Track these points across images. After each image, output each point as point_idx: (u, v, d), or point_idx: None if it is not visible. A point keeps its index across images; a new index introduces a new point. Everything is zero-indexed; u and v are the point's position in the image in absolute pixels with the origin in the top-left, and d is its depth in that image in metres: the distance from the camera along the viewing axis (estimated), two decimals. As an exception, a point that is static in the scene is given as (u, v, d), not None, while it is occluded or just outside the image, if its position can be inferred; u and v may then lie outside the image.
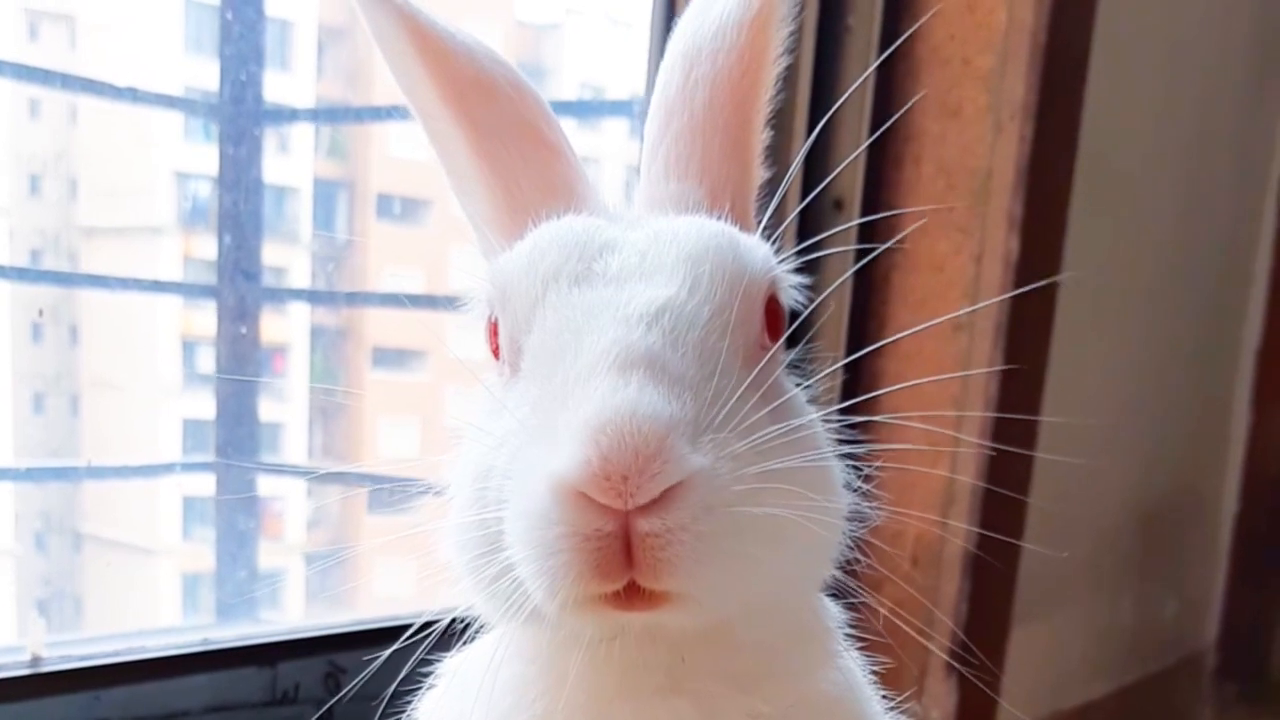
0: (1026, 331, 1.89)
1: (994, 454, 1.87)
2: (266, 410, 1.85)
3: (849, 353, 1.88)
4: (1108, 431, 2.30)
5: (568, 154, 0.97)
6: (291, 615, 1.83)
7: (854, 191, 1.84)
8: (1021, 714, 2.14)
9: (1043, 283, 1.81)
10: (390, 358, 2.06)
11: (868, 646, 0.96)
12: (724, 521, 0.72)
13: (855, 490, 0.89)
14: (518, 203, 0.93)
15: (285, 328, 1.93)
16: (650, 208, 0.95)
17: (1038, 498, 2.00)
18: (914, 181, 1.87)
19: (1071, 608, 2.31)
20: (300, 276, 1.93)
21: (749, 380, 0.78)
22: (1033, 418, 1.97)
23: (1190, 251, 2.47)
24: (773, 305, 0.86)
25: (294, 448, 1.99)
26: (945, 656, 1.91)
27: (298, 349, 1.96)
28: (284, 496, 1.99)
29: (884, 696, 0.96)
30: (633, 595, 0.72)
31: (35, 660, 1.40)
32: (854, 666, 0.94)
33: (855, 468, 0.89)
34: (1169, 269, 2.41)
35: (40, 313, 1.69)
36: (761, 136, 0.97)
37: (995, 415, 1.88)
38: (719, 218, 0.89)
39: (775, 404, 0.79)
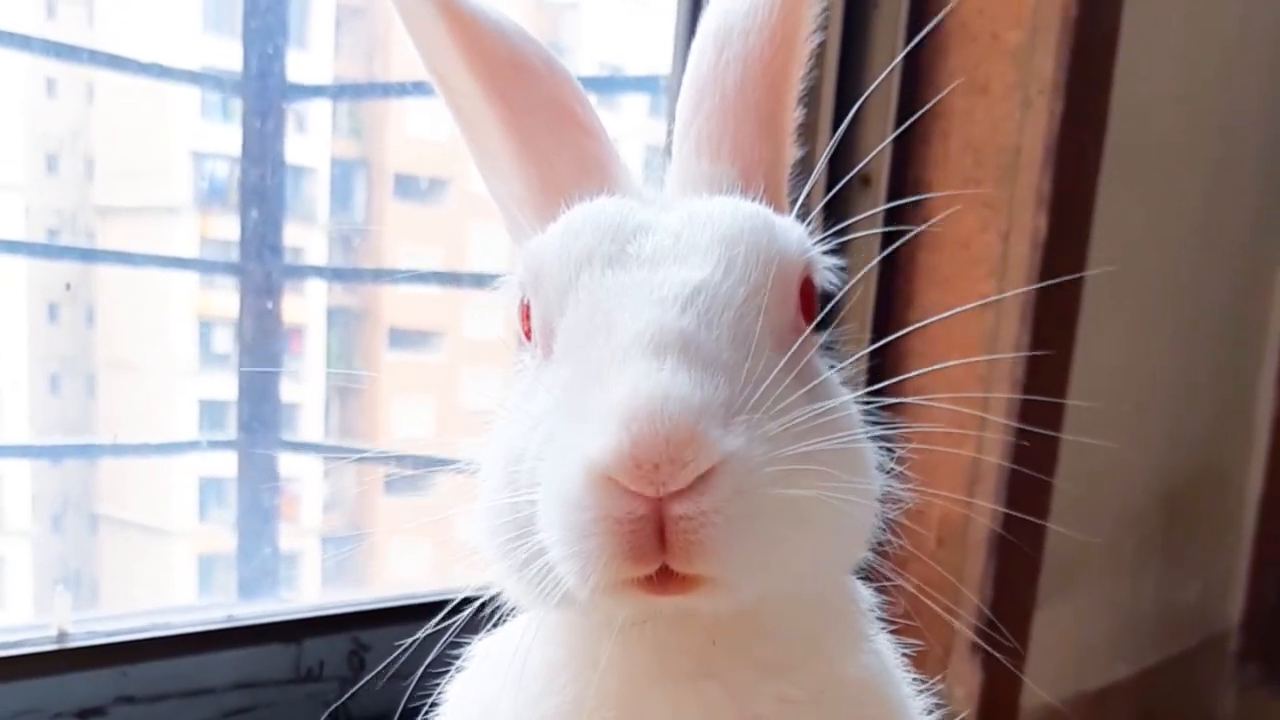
0: (1054, 311, 1.88)
1: (1019, 434, 1.86)
2: (287, 390, 1.85)
3: (875, 330, 1.87)
4: (1133, 412, 2.29)
5: (601, 134, 0.96)
6: (311, 595, 1.83)
7: (882, 169, 1.83)
8: (1044, 695, 2.14)
9: (1071, 276, 1.80)
10: (407, 339, 2.06)
11: (893, 627, 0.95)
12: (757, 504, 0.71)
13: (887, 472, 0.88)
14: (550, 184, 0.92)
15: (302, 309, 1.93)
16: (682, 189, 0.94)
17: (1063, 479, 1.99)
18: (942, 158, 1.86)
19: (1095, 589, 2.30)
20: (318, 257, 1.94)
21: (783, 362, 0.77)
22: (1058, 399, 1.96)
23: (1217, 230, 2.45)
24: (807, 287, 0.85)
25: (311, 428, 1.99)
26: (970, 636, 1.90)
27: (315, 330, 1.96)
28: (302, 478, 1.99)
29: (915, 680, 0.95)
30: (665, 579, 0.72)
31: (62, 635, 1.40)
32: (886, 650, 0.93)
33: (887, 449, 0.88)
34: (1196, 248, 2.39)
35: (68, 286, 1.69)
36: (794, 115, 0.96)
37: (1021, 396, 1.87)
38: (752, 199, 0.88)
39: (809, 386, 0.78)
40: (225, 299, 1.80)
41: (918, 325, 1.76)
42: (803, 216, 0.90)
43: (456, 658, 0.93)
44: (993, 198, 1.83)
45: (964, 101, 1.83)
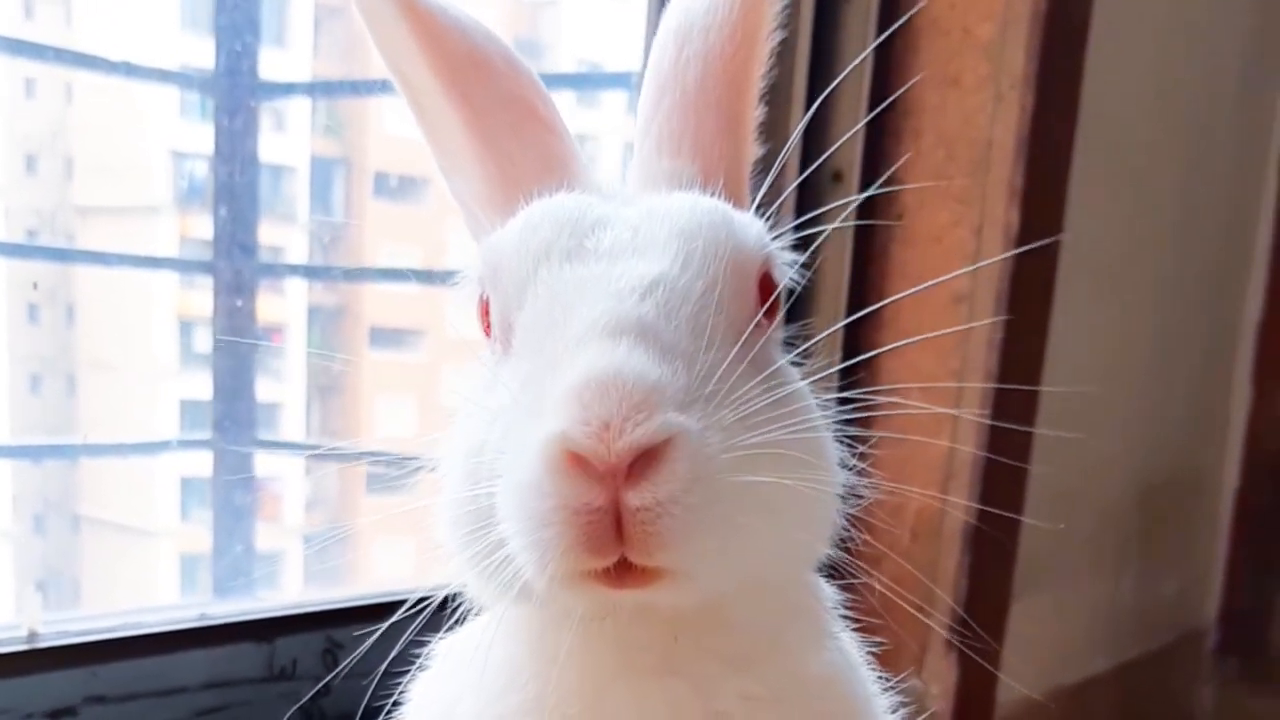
0: (1026, 304, 1.88)
1: (994, 428, 1.86)
2: (264, 389, 1.84)
3: (848, 327, 1.87)
4: (1108, 406, 2.29)
5: (562, 131, 0.96)
6: (289, 594, 1.83)
7: (853, 163, 1.83)
8: (1021, 690, 2.14)
9: (1041, 243, 1.80)
10: (387, 337, 2.06)
11: (866, 623, 0.95)
12: (715, 491, 0.71)
13: (851, 467, 0.88)
14: (510, 180, 0.92)
15: (282, 307, 1.92)
16: (644, 185, 0.94)
17: (1038, 474, 2.00)
18: (913, 153, 1.86)
19: (1072, 584, 2.31)
20: (297, 256, 1.93)
21: (742, 356, 0.77)
22: (1033, 389, 1.96)
23: (1191, 225, 2.46)
24: (766, 282, 0.84)
25: (291, 427, 1.99)
26: (945, 632, 1.90)
27: (295, 328, 1.95)
28: (281, 477, 1.99)
29: (880, 676, 0.95)
30: (624, 572, 0.71)
31: (32, 636, 1.39)
32: (850, 646, 0.93)
33: (851, 444, 0.88)
34: (1169, 242, 2.40)
35: (35, 286, 1.68)
36: (755, 113, 0.96)
37: (995, 388, 1.87)
38: (712, 195, 0.88)
39: (769, 380, 0.79)
40: (204, 296, 1.80)
41: (883, 303, 1.76)
42: (765, 211, 0.90)
43: (423, 654, 0.92)
44: (965, 192, 1.83)
45: (936, 95, 1.83)
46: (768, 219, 0.88)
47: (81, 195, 1.76)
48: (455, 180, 0.96)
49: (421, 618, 0.86)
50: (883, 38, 1.81)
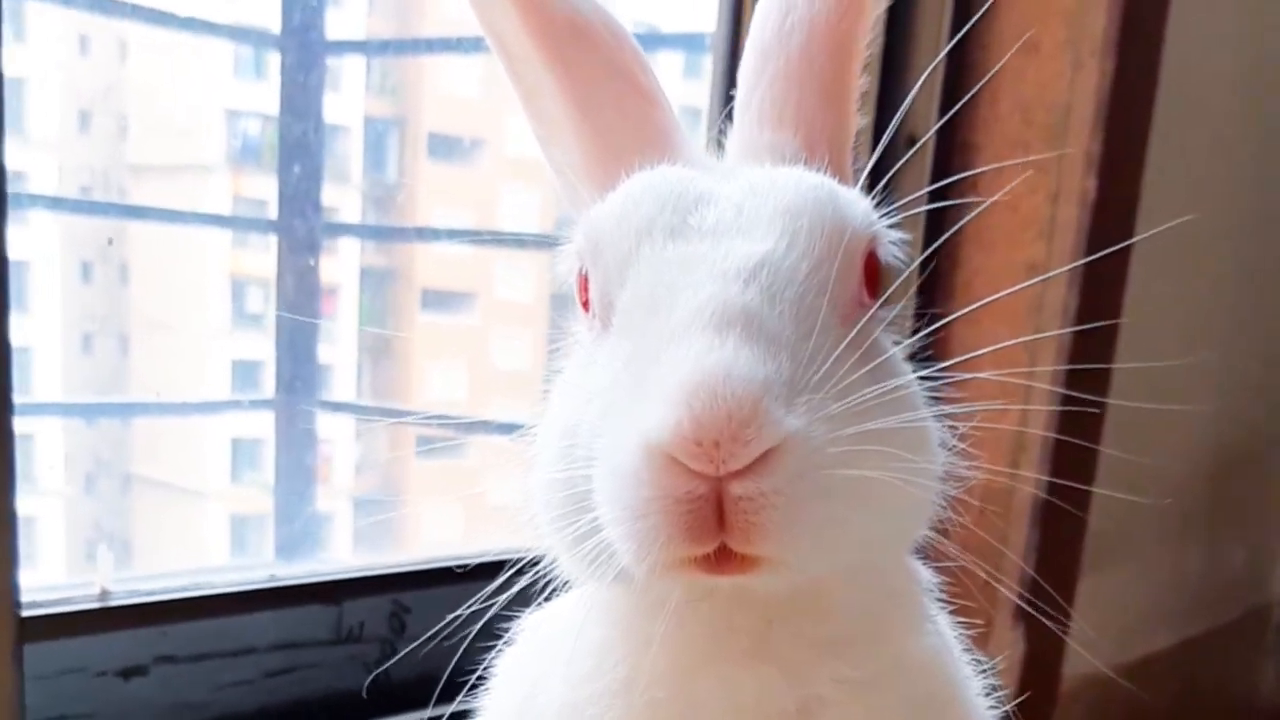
0: (1102, 275, 1.85)
1: (1066, 400, 1.84)
2: (322, 350, 1.84)
3: (920, 294, 1.85)
4: (1182, 378, 2.26)
5: (663, 102, 0.93)
6: (344, 556, 1.83)
7: (929, 128, 1.80)
8: (1086, 664, 2.12)
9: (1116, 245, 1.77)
10: (439, 300, 2.05)
11: (960, 605, 0.94)
12: (818, 485, 0.69)
13: (951, 448, 0.86)
14: (610, 152, 0.90)
15: (335, 269, 1.92)
16: (744, 158, 0.92)
17: (1109, 446, 1.97)
18: (990, 119, 1.82)
19: (1138, 558, 2.28)
20: (351, 216, 1.92)
21: (847, 339, 0.75)
22: (1106, 365, 1.93)
23: (1272, 194, 2.41)
24: (872, 261, 0.82)
25: (343, 389, 1.99)
26: (1013, 605, 1.88)
27: (347, 291, 1.95)
28: (334, 440, 1.99)
29: (974, 660, 0.94)
30: (723, 558, 0.70)
31: (104, 594, 1.40)
32: (946, 629, 0.92)
33: (949, 425, 0.86)
34: (1248, 211, 2.35)
35: (110, 242, 1.69)
36: (859, 83, 0.93)
37: (1068, 364, 1.84)
38: (816, 169, 0.86)
39: (874, 364, 0.77)
40: (258, 258, 1.79)
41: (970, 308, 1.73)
42: (869, 188, 0.88)
43: (500, 626, 0.91)
44: (1042, 159, 1.80)
45: (1014, 61, 1.80)
46: (872, 195, 0.86)
47: (135, 153, 1.75)
48: (553, 150, 0.94)
49: (503, 590, 0.85)
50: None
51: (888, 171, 1.76)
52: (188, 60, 1.70)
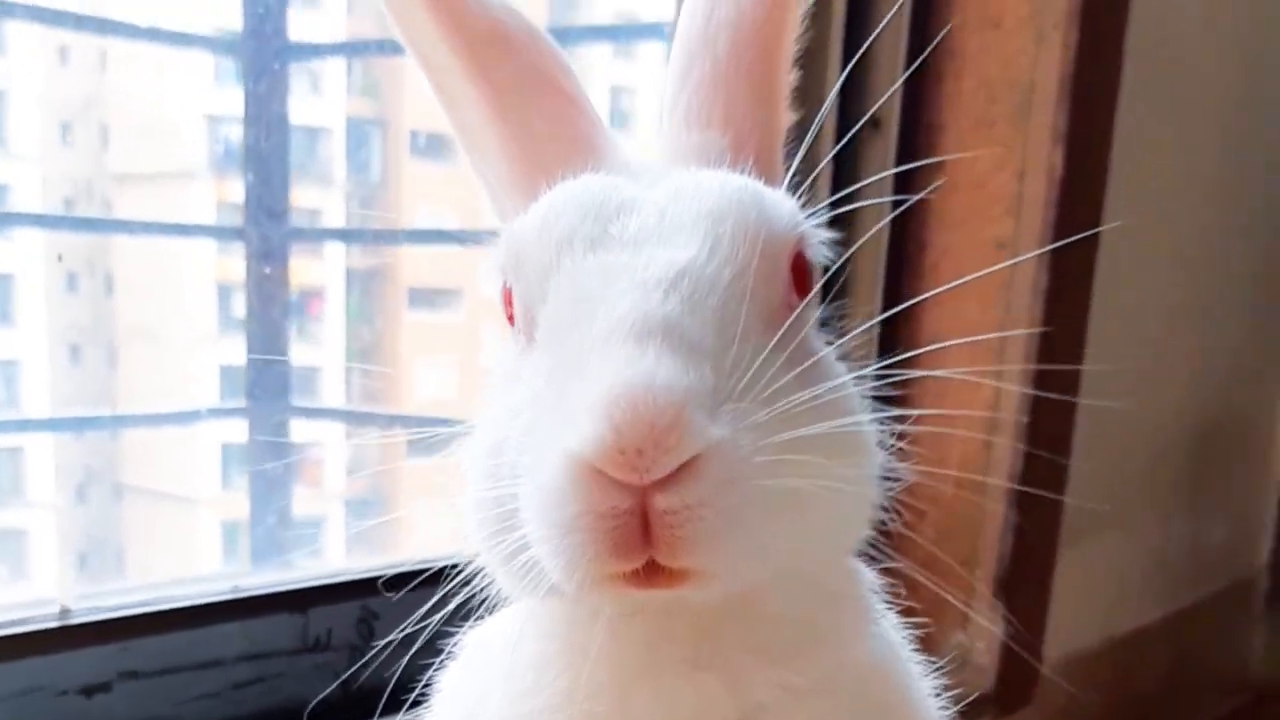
0: (1072, 249, 1.83)
1: (1040, 376, 1.83)
2: (302, 354, 1.84)
3: (889, 273, 1.84)
4: (1159, 350, 2.25)
5: (586, 106, 0.92)
6: (325, 563, 1.82)
7: (892, 110, 1.79)
8: (1070, 642, 2.12)
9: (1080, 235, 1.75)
10: (426, 298, 2.04)
11: (908, 605, 0.92)
12: (744, 496, 0.68)
13: (890, 448, 0.84)
14: (534, 160, 0.89)
15: (320, 271, 1.91)
16: (672, 160, 0.90)
17: (1085, 421, 1.96)
18: (954, 96, 1.81)
19: (1122, 532, 2.27)
20: (335, 218, 1.92)
21: (772, 344, 0.73)
22: (1079, 338, 1.93)
23: (1244, 163, 2.40)
24: (799, 262, 0.81)
25: (331, 392, 1.98)
26: (991, 584, 1.88)
27: (333, 292, 1.94)
28: (321, 443, 1.98)
29: (923, 661, 0.92)
30: (652, 573, 0.69)
31: (64, 612, 1.38)
32: (891, 631, 0.90)
33: (891, 421, 0.84)
34: (1221, 181, 2.34)
35: (59, 259, 1.68)
36: (789, 79, 0.92)
37: (1040, 333, 1.83)
38: (743, 170, 0.84)
39: (801, 367, 0.75)
40: (238, 262, 1.79)
41: (925, 297, 1.71)
42: (800, 183, 0.86)
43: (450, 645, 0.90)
44: (1007, 135, 1.78)
45: (976, 38, 1.78)
46: (801, 194, 0.84)
47: (117, 162, 1.75)
48: (478, 160, 0.93)
49: (461, 588, 0.84)
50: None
51: (850, 152, 1.75)
52: (167, 69, 1.70)
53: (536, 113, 0.89)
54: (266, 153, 1.69)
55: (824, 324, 0.85)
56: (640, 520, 0.67)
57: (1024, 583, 1.93)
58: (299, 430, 1.87)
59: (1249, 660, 2.80)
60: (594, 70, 2.08)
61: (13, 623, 1.35)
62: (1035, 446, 1.84)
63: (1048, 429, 1.82)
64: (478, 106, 0.90)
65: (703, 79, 0.90)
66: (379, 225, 1.94)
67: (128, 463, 1.84)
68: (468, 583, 0.84)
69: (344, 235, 1.96)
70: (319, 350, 1.95)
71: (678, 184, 0.81)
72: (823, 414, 0.73)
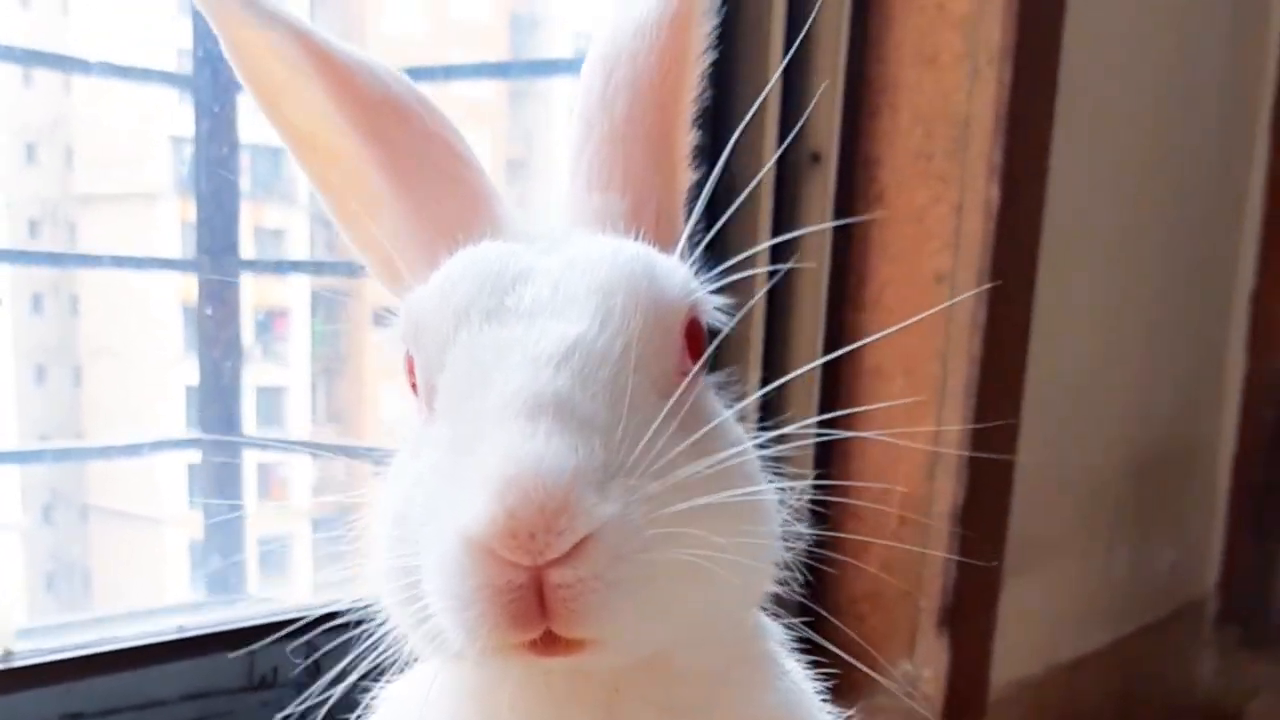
0: (1010, 282, 1.86)
1: (981, 405, 1.85)
2: (260, 376, 1.85)
3: (829, 307, 1.86)
4: (1099, 379, 2.28)
5: (481, 171, 0.93)
6: (277, 599, 1.82)
7: (831, 143, 1.81)
8: (1017, 669, 2.14)
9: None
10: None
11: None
12: (637, 568, 0.70)
13: (790, 507, 0.86)
14: (431, 225, 0.89)
15: (284, 290, 1.94)
16: (573, 221, 0.91)
17: (1027, 450, 1.98)
18: (892, 131, 1.83)
19: (1067, 559, 2.29)
20: (299, 239, 1.92)
21: (664, 413, 0.74)
22: (1018, 371, 1.95)
23: (1180, 193, 2.43)
24: (693, 328, 0.82)
25: (296, 412, 1.98)
26: (936, 614, 1.89)
27: (298, 312, 1.95)
28: (284, 463, 1.99)
29: (833, 713, 0.93)
30: (550, 641, 0.71)
31: (7, 655, 1.38)
32: (802, 682, 0.91)
33: (788, 477, 0.86)
34: (1158, 211, 2.37)
35: None
36: (688, 139, 0.93)
37: (980, 363, 1.85)
38: (639, 235, 0.86)
39: (696, 435, 0.76)
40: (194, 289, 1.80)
41: (870, 340, 1.73)
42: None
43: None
44: (944, 170, 1.81)
45: (913, 73, 1.81)
46: (694, 260, 0.85)
47: (83, 184, 1.78)
48: (367, 228, 0.93)
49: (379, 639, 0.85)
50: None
51: (789, 186, 1.77)
52: (131, 91, 1.72)
53: (435, 177, 0.90)
54: (215, 188, 1.70)
55: (724, 386, 0.86)
56: (536, 592, 0.68)
57: (970, 610, 1.94)
58: (254, 457, 1.87)
59: (1199, 683, 2.82)
60: (556, 103, 2.10)
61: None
62: (978, 475, 1.87)
63: (989, 459, 1.84)
64: (377, 175, 0.90)
65: (602, 140, 0.91)
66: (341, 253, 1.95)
67: (93, 483, 1.84)
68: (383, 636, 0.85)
69: (300, 266, 1.97)
70: (284, 370, 1.96)
71: (572, 254, 0.82)
72: (717, 481, 0.75)
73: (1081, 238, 2.06)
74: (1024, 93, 1.79)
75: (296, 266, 1.97)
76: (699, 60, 0.91)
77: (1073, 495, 2.26)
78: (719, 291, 0.86)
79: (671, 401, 0.76)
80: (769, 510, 0.83)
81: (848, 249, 1.88)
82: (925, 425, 1.85)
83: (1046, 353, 2.00)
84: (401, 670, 0.87)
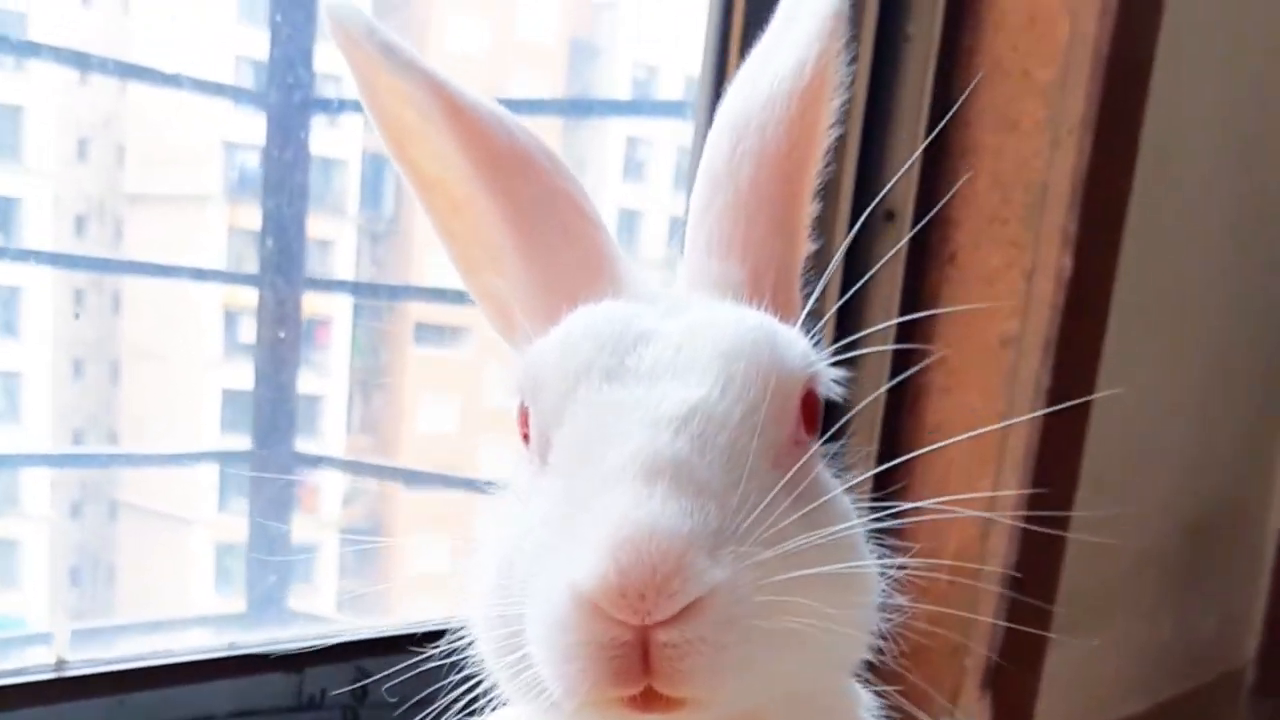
0: (1076, 350, 1.86)
1: (1038, 470, 1.85)
2: (306, 387, 1.85)
3: (894, 365, 1.86)
4: (1155, 445, 2.27)
5: (604, 228, 0.94)
6: (320, 621, 1.83)
7: (907, 203, 1.81)
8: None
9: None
10: (432, 334, 2.06)
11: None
12: (743, 634, 0.71)
13: (888, 578, 0.87)
14: (553, 280, 0.90)
15: (328, 301, 1.94)
16: (692, 286, 0.92)
17: (1080, 510, 1.98)
18: (968, 194, 1.83)
19: (1110, 624, 2.29)
20: (346, 251, 1.93)
21: (779, 483, 0.76)
22: (1078, 435, 1.95)
23: (1244, 263, 2.42)
24: (809, 399, 0.83)
25: (332, 423, 1.99)
26: (981, 672, 1.89)
27: (340, 324, 1.96)
28: (319, 488, 1.99)
29: None
30: (649, 698, 0.72)
31: (60, 664, 1.40)
32: None
33: (887, 549, 0.87)
34: (1222, 279, 2.37)
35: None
36: (810, 210, 0.94)
37: (1041, 428, 1.85)
38: (761, 303, 0.87)
39: (809, 507, 0.77)
40: (250, 297, 1.80)
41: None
42: (817, 316, 0.88)
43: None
44: (1018, 235, 1.81)
45: (993, 138, 1.81)
46: (814, 335, 0.87)
47: (132, 183, 1.77)
48: (484, 277, 0.95)
49: (456, 652, 0.86)
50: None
51: (864, 243, 1.77)
52: (186, 94, 1.71)
53: (559, 232, 0.91)
54: (285, 211, 1.71)
55: (834, 457, 0.87)
56: (640, 650, 0.69)
57: (1014, 671, 1.94)
58: (300, 470, 1.88)
59: (1233, 752, 2.81)
60: (610, 137, 2.11)
61: (9, 673, 1.37)
62: (1031, 539, 1.87)
63: (1044, 522, 1.84)
64: (498, 223, 0.91)
65: (725, 208, 0.92)
66: (391, 263, 1.96)
67: (124, 480, 1.85)
68: (466, 670, 0.85)
69: (354, 288, 1.98)
70: (323, 379, 1.96)
71: (694, 319, 0.83)
72: (826, 553, 0.75)
73: (1147, 303, 2.05)
74: (1102, 163, 1.79)
75: (356, 289, 1.98)
76: (827, 134, 0.93)
77: (1121, 559, 2.25)
78: (837, 365, 0.87)
79: (790, 474, 0.77)
80: (872, 581, 0.84)
81: (916, 308, 1.88)
82: (982, 487, 1.85)
83: (1106, 418, 1.99)
84: (485, 709, 0.88)
